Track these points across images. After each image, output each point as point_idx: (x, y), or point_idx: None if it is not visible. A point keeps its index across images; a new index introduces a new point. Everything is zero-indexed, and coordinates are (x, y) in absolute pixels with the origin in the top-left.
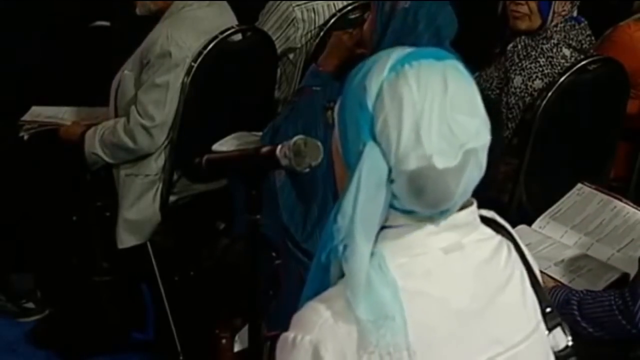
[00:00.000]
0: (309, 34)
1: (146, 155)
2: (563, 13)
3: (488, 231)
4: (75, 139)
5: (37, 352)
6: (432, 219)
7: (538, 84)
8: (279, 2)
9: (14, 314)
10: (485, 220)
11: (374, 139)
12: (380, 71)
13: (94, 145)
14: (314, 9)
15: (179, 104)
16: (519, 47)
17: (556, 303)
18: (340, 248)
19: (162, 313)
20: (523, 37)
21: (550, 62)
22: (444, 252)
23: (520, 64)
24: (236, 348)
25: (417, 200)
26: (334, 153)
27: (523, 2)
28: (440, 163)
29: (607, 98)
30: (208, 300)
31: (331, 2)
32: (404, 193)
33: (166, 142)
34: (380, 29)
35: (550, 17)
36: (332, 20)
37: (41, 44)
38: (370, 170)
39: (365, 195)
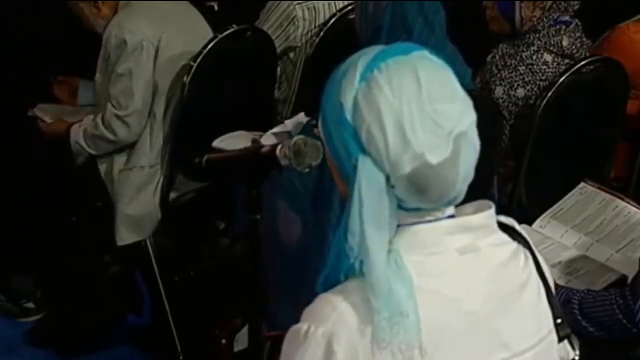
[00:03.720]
0: (309, 33)
1: (134, 147)
2: (534, 18)
3: (505, 237)
4: (60, 134)
5: (37, 352)
6: (440, 209)
7: (521, 92)
8: (279, 0)
9: (14, 314)
10: (503, 227)
11: (363, 151)
12: (351, 83)
13: (79, 136)
14: (314, 7)
15: (178, 103)
16: (497, 57)
17: (558, 300)
18: (357, 265)
19: (162, 313)
20: (503, 45)
21: (530, 69)
22: (459, 252)
23: (499, 75)
24: (236, 348)
25: (421, 198)
26: (330, 166)
27: (490, 5)
28: (433, 158)
29: (607, 98)
30: (208, 300)
31: (332, 2)
32: (407, 195)
33: (162, 137)
34: (367, 29)
35: (518, 22)
36: (332, 20)
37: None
38: (368, 183)
39: (369, 207)
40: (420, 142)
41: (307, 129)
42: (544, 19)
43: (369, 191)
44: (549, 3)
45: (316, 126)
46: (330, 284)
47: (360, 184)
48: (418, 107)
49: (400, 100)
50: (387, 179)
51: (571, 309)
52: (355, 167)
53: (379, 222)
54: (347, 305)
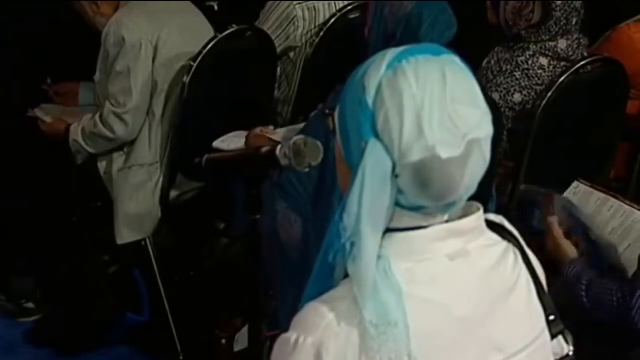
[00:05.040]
0: (309, 33)
1: (133, 146)
2: (518, 26)
3: (494, 237)
4: (60, 133)
5: (37, 352)
6: (436, 215)
7: (518, 97)
8: (279, 0)
9: (14, 314)
10: (492, 226)
11: (376, 135)
12: (378, 69)
13: (77, 134)
14: (314, 7)
15: (178, 103)
16: (492, 62)
17: (569, 275)
18: (348, 247)
19: (162, 313)
20: (499, 49)
21: (526, 74)
22: (449, 258)
23: (495, 81)
24: (236, 348)
25: (423, 193)
26: (337, 157)
27: None
28: (444, 153)
29: (607, 98)
30: (208, 300)
31: (332, 2)
32: (410, 187)
33: (161, 135)
34: (379, 34)
35: (502, 18)
36: (332, 20)
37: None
38: (374, 167)
39: (370, 192)
40: (435, 136)
41: (318, 118)
42: (532, 37)
43: (373, 175)
44: (535, 17)
45: (330, 115)
46: (323, 268)
47: (366, 167)
48: (439, 104)
49: (423, 93)
50: (393, 168)
51: (579, 288)
52: (363, 151)
53: (376, 209)
54: (336, 314)
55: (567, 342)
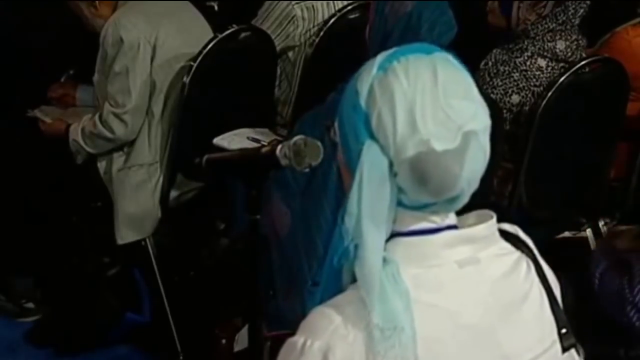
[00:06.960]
0: (308, 33)
1: (133, 146)
2: (527, 21)
3: (507, 246)
4: (60, 133)
5: (37, 352)
6: (440, 213)
7: (515, 98)
8: (277, 0)
9: (14, 314)
10: (506, 235)
11: (371, 136)
12: (369, 72)
13: (77, 135)
14: (313, 7)
15: (178, 104)
16: (490, 64)
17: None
18: (352, 249)
19: (162, 313)
20: (496, 50)
21: (524, 75)
22: (458, 265)
23: (492, 82)
24: (236, 348)
25: (422, 188)
26: (341, 167)
27: None
28: (438, 145)
29: (607, 98)
30: (208, 300)
31: (331, 1)
32: (409, 183)
33: (160, 135)
34: (379, 32)
35: (514, 20)
36: (332, 20)
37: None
38: (371, 167)
39: (368, 192)
40: (429, 130)
41: (319, 128)
42: (539, 26)
43: (371, 175)
44: (546, 10)
45: (331, 125)
46: (330, 273)
47: (363, 167)
48: (431, 99)
49: (414, 90)
50: (391, 166)
51: (594, 271)
52: (360, 153)
53: (376, 209)
54: (343, 318)
55: (578, 354)
